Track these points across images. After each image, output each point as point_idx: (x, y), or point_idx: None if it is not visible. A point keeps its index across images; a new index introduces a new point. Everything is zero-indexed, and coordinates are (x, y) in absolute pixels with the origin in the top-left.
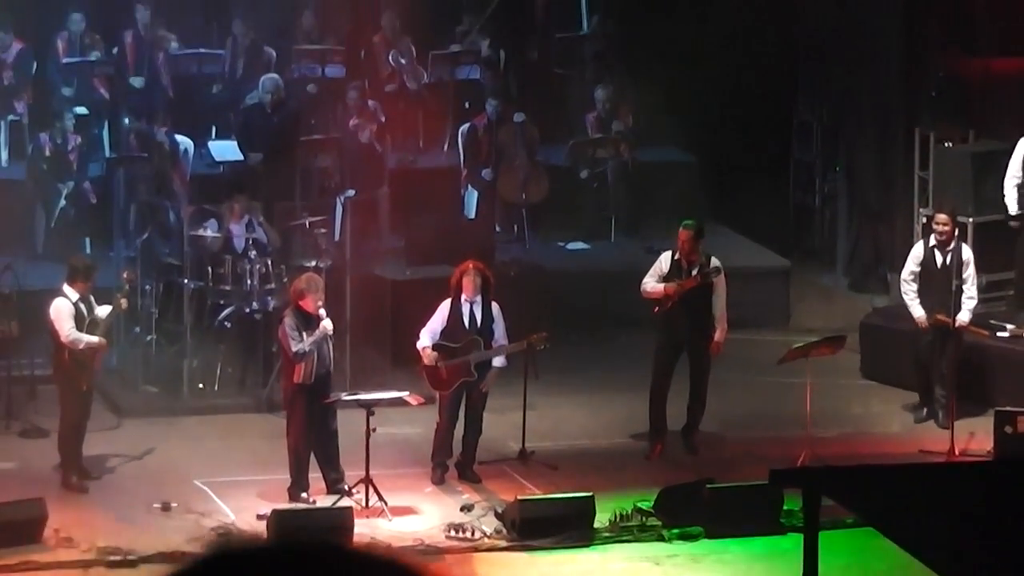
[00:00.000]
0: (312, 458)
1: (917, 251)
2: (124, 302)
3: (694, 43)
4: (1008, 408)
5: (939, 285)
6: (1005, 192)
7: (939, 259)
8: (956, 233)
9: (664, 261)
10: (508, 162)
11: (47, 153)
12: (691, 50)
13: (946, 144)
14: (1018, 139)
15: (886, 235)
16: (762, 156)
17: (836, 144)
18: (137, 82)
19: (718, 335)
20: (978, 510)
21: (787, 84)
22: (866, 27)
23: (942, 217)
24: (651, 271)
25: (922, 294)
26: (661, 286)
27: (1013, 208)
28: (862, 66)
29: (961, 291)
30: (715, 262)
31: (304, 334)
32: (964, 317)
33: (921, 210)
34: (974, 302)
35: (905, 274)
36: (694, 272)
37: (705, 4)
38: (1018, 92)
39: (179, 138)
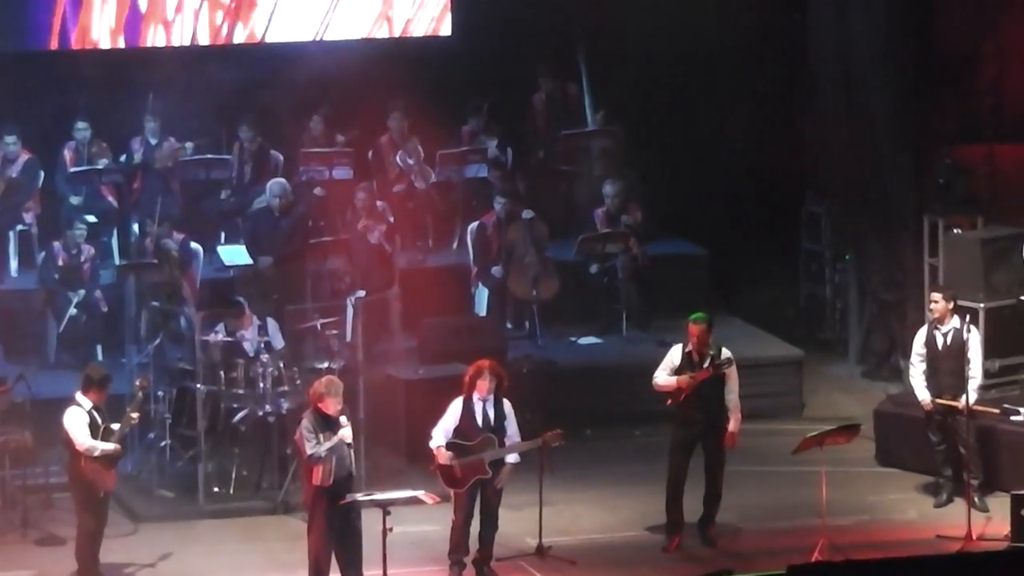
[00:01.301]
0: (333, 559)
1: (921, 334)
2: (135, 416)
3: (701, 136)
4: None
5: (943, 367)
6: None
7: (940, 340)
8: (954, 312)
9: (675, 354)
10: (518, 259)
11: (60, 263)
12: (698, 143)
13: (955, 231)
14: None
15: (898, 323)
16: (772, 247)
17: (845, 234)
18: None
19: (732, 425)
20: None
21: (795, 175)
22: (872, 117)
23: (934, 295)
24: (662, 364)
25: (930, 376)
26: (673, 379)
27: None
28: (869, 156)
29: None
30: (726, 353)
31: (321, 436)
32: (968, 398)
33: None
34: (976, 382)
35: (912, 357)
36: (705, 364)
37: (711, 96)
38: None
39: (192, 245)
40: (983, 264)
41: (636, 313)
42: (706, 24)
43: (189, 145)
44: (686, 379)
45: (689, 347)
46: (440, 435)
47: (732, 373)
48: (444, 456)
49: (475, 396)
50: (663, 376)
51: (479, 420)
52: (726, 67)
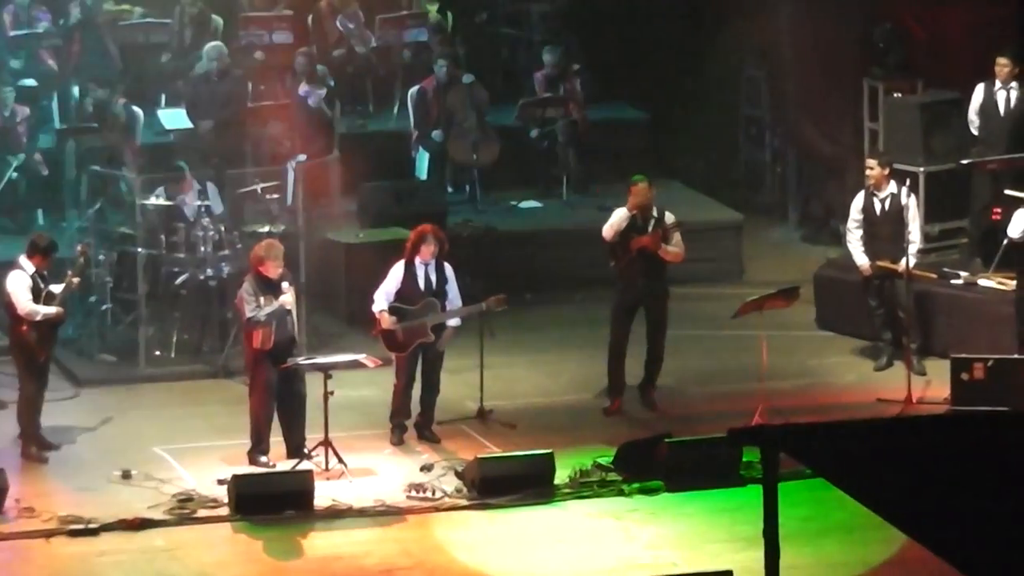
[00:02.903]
0: (276, 422)
1: (858, 200)
2: (76, 280)
3: (641, 1)
4: (964, 355)
5: (881, 232)
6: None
7: (878, 206)
8: (891, 177)
9: (620, 217)
10: (458, 124)
11: None
12: (638, 7)
13: (895, 95)
14: (968, 88)
15: (836, 188)
16: (712, 112)
17: (784, 98)
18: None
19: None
20: (933, 462)
21: (734, 39)
22: None
23: (869, 162)
24: (608, 224)
25: (868, 242)
26: (623, 213)
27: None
28: (808, 20)
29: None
30: (670, 217)
31: (262, 299)
32: (907, 262)
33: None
34: (915, 246)
35: (849, 223)
36: (650, 227)
37: None
38: (964, 42)
39: (133, 109)
40: (922, 128)
41: (576, 177)
42: None
43: (138, 10)
44: (644, 240)
45: (633, 211)
46: (382, 299)
47: (677, 238)
48: (387, 320)
49: (417, 260)
50: (609, 223)
51: (421, 284)
52: None
